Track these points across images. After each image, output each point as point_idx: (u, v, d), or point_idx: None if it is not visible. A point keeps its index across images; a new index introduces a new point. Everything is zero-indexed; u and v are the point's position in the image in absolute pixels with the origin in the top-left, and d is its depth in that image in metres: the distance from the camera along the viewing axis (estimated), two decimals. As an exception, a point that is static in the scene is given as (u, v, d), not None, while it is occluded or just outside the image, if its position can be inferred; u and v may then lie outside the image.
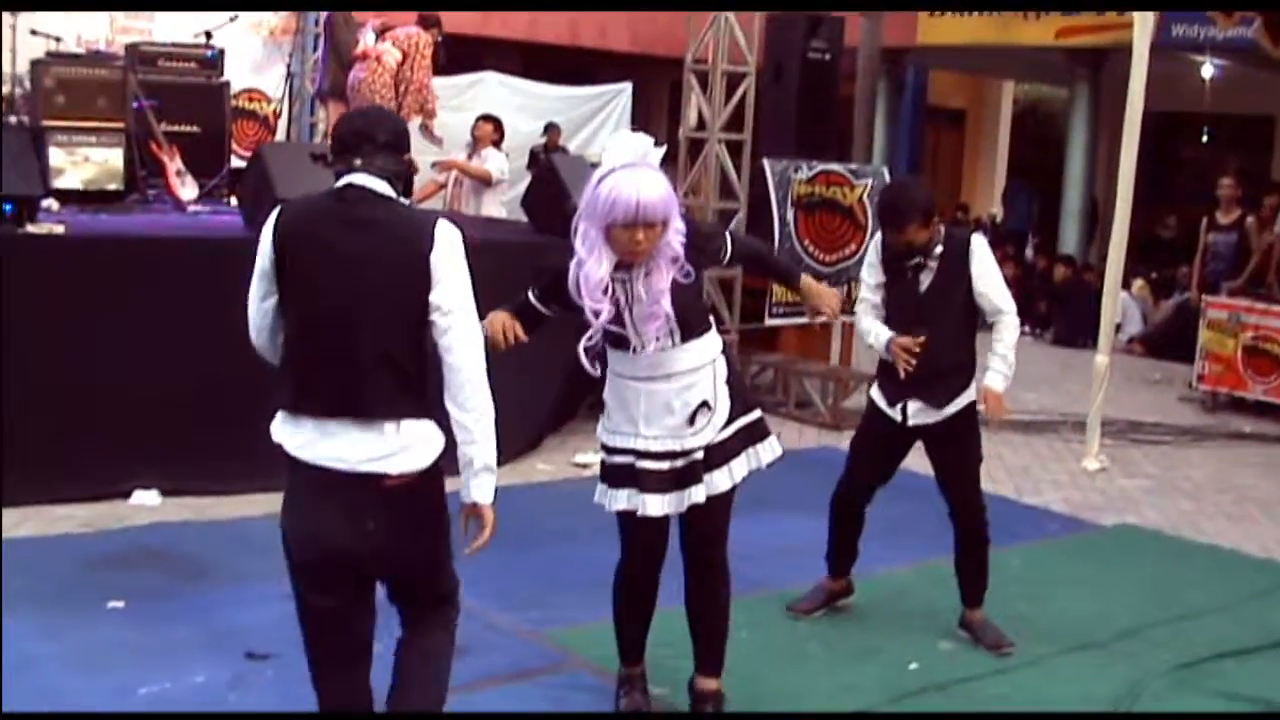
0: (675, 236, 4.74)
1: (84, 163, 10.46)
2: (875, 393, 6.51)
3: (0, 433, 7.20)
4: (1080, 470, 10.04)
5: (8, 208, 7.76)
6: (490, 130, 13.52)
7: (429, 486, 4.08)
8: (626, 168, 4.62)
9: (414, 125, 10.89)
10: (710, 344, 5.01)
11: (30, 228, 7.85)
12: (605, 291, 4.72)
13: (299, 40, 14.72)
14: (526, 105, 19.25)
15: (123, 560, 6.71)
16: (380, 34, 11.51)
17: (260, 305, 4.18)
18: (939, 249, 6.15)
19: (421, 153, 10.75)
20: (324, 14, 12.45)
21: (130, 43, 12.16)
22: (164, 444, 7.85)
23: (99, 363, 7.71)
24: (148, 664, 5.47)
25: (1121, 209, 9.92)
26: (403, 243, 4.00)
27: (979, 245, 6.24)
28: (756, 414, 5.18)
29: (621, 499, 5.02)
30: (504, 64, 20.64)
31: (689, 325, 4.89)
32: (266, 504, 6.81)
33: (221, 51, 12.33)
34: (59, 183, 10.19)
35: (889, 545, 7.68)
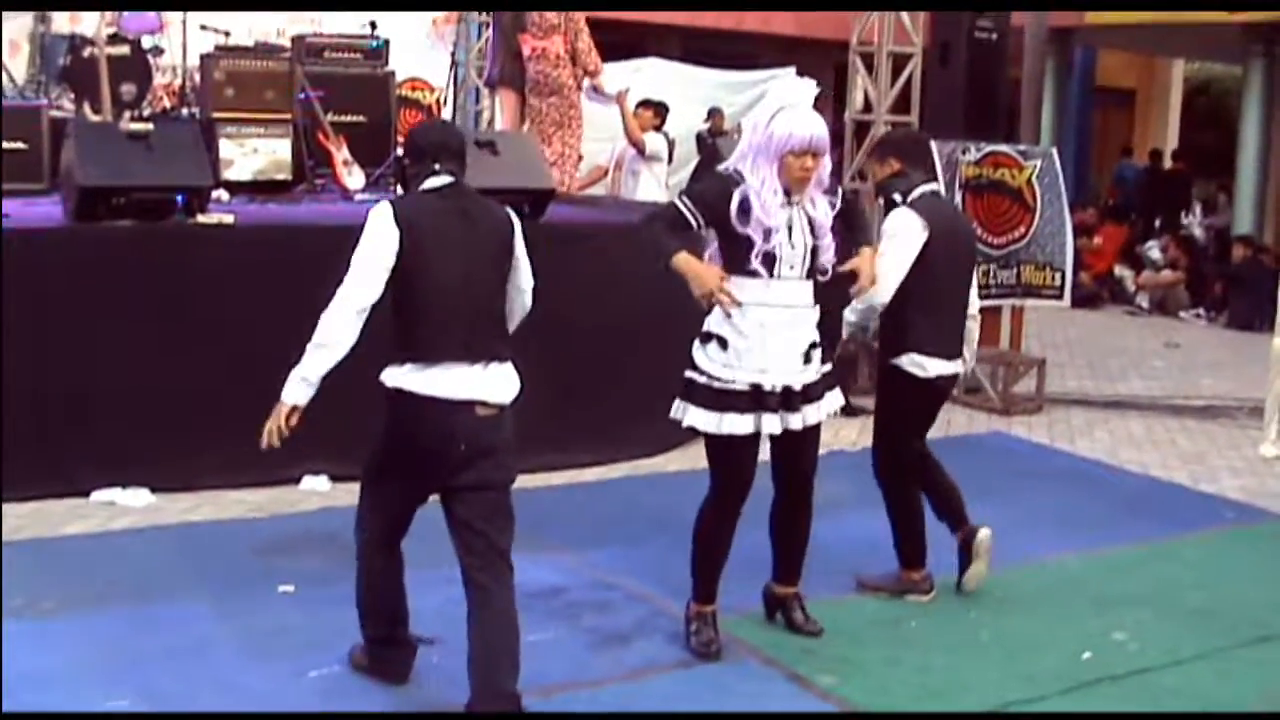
0: (827, 169, 5.48)
1: (253, 154, 10.59)
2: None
3: (0, 426, 7.26)
4: (1257, 457, 9.75)
5: (179, 199, 7.88)
6: (650, 116, 13.45)
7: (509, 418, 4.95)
8: (792, 108, 5.35)
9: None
10: (814, 289, 5.60)
11: (201, 218, 7.96)
12: (774, 197, 5.34)
13: (463, 29, 14.82)
14: (688, 91, 19.16)
15: (293, 545, 6.78)
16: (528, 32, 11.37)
17: (373, 289, 5.00)
18: None
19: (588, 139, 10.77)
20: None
21: (297, 34, 12.28)
22: (334, 429, 7.86)
23: (269, 348, 7.77)
24: (318, 647, 5.51)
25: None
26: (497, 229, 5.02)
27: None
28: (830, 365, 5.77)
29: (747, 423, 5.45)
30: (665, 49, 20.60)
31: (812, 265, 5.51)
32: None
33: (386, 42, 12.40)
34: (228, 174, 10.34)
35: (1057, 532, 7.52)
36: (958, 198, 11.14)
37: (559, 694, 5.21)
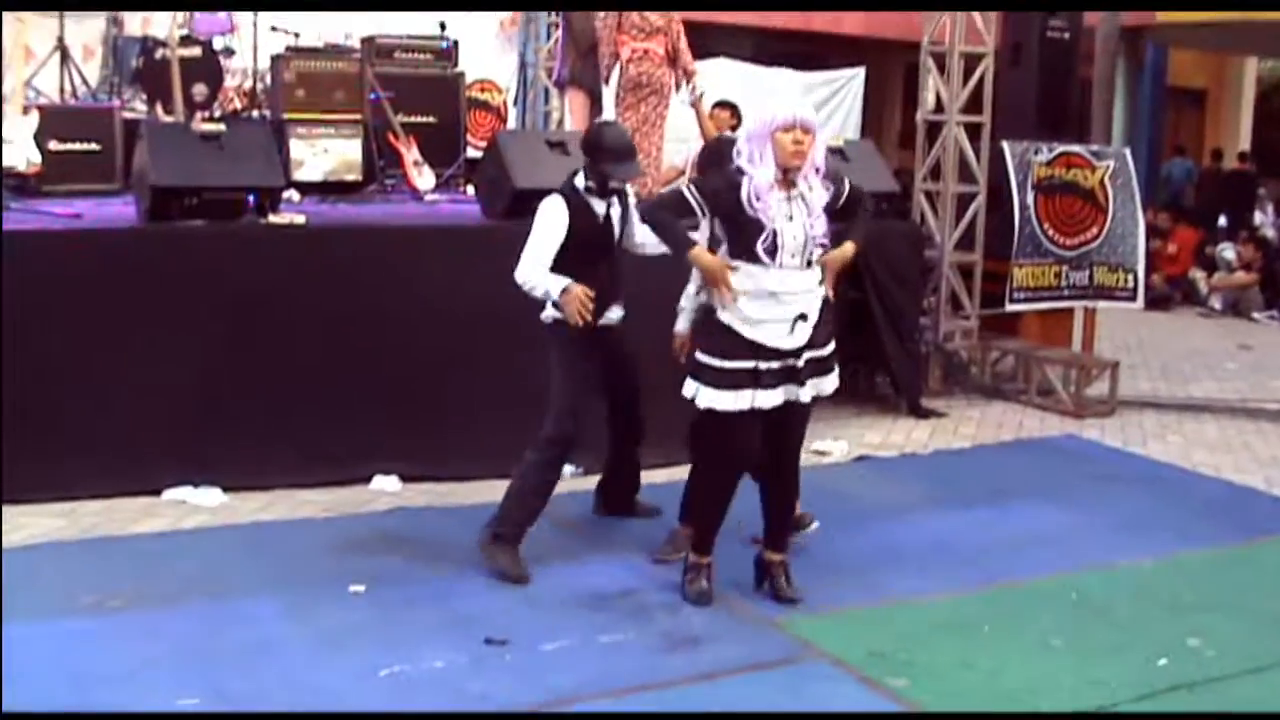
0: (821, 151, 5.91)
1: (323, 154, 10.66)
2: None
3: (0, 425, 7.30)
4: (1336, 460, 9.61)
5: (251, 199, 7.93)
6: (727, 117, 13.37)
7: None
8: (775, 93, 5.97)
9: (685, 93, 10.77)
10: (818, 274, 5.98)
11: (273, 218, 8.01)
12: (770, 189, 5.79)
13: (531, 29, 14.83)
14: (759, 92, 19.13)
15: (363, 544, 6.77)
16: (617, 20, 11.32)
17: (549, 258, 6.32)
18: None
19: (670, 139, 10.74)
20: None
21: (367, 36, 12.33)
22: (404, 429, 7.94)
23: (339, 348, 7.83)
24: (387, 647, 5.49)
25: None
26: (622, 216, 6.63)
27: None
28: (832, 347, 6.11)
29: (746, 399, 5.86)
30: (736, 49, 20.55)
31: (811, 255, 5.90)
32: (503, 491, 6.88)
33: (455, 43, 12.45)
34: (299, 174, 10.41)
35: (1131, 537, 7.44)
36: (1029, 198, 11.05)
37: (630, 695, 5.18)
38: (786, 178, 5.84)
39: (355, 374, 7.83)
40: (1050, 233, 11.18)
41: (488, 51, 15.07)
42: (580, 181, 6.59)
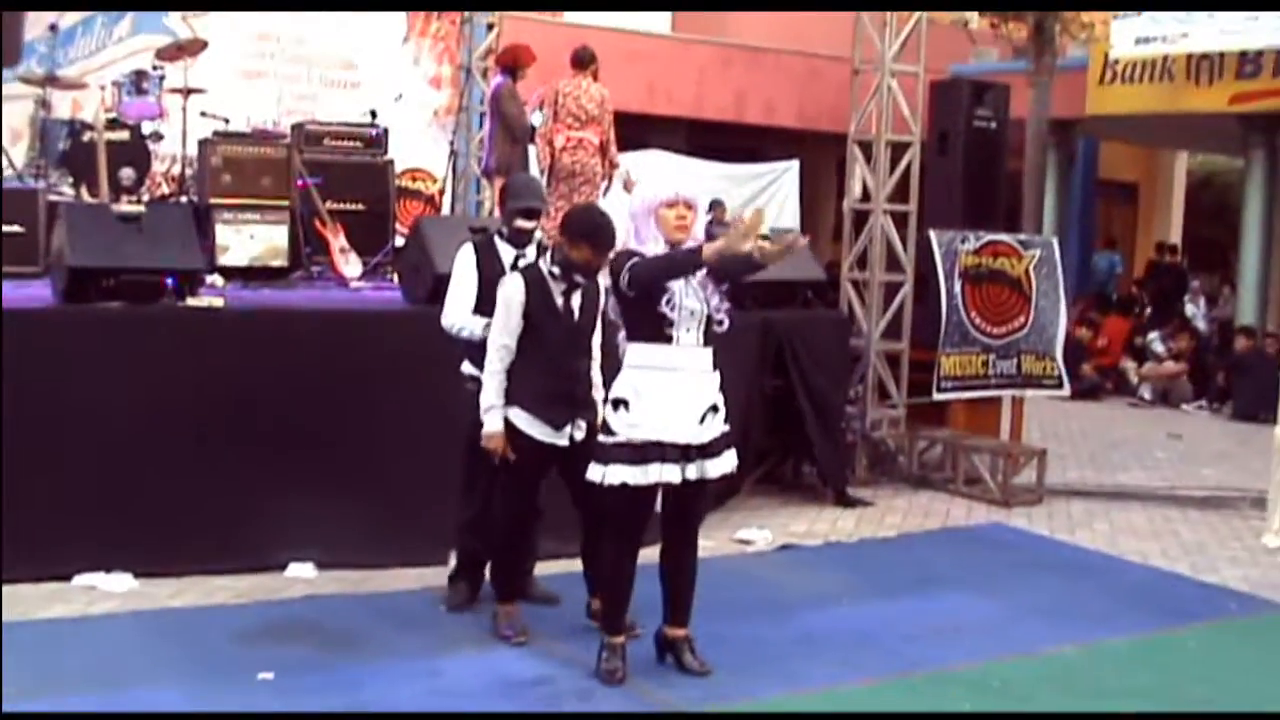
0: (702, 225, 6.15)
1: (249, 240, 10.57)
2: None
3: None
4: (1260, 547, 9.60)
5: (170, 281, 7.84)
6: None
7: None
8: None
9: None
10: (713, 356, 6.11)
11: (191, 300, 7.92)
12: None
13: (463, 119, 14.85)
14: (694, 185, 19.17)
15: (274, 631, 6.65)
16: (553, 110, 11.33)
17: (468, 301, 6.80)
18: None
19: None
20: (490, 90, 12.47)
21: (296, 122, 12.31)
22: (320, 516, 7.82)
23: (257, 435, 7.72)
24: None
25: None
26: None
27: None
28: (728, 427, 6.20)
29: (653, 473, 5.95)
30: (670, 141, 20.69)
31: (709, 330, 6.05)
32: (420, 579, 6.77)
33: (386, 130, 12.42)
34: (225, 259, 10.32)
35: (1055, 623, 7.41)
36: (957, 287, 11.09)
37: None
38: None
39: (271, 459, 7.72)
40: (978, 321, 11.22)
41: (421, 140, 15.09)
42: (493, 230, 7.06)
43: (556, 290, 6.51)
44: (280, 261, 10.68)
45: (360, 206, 11.81)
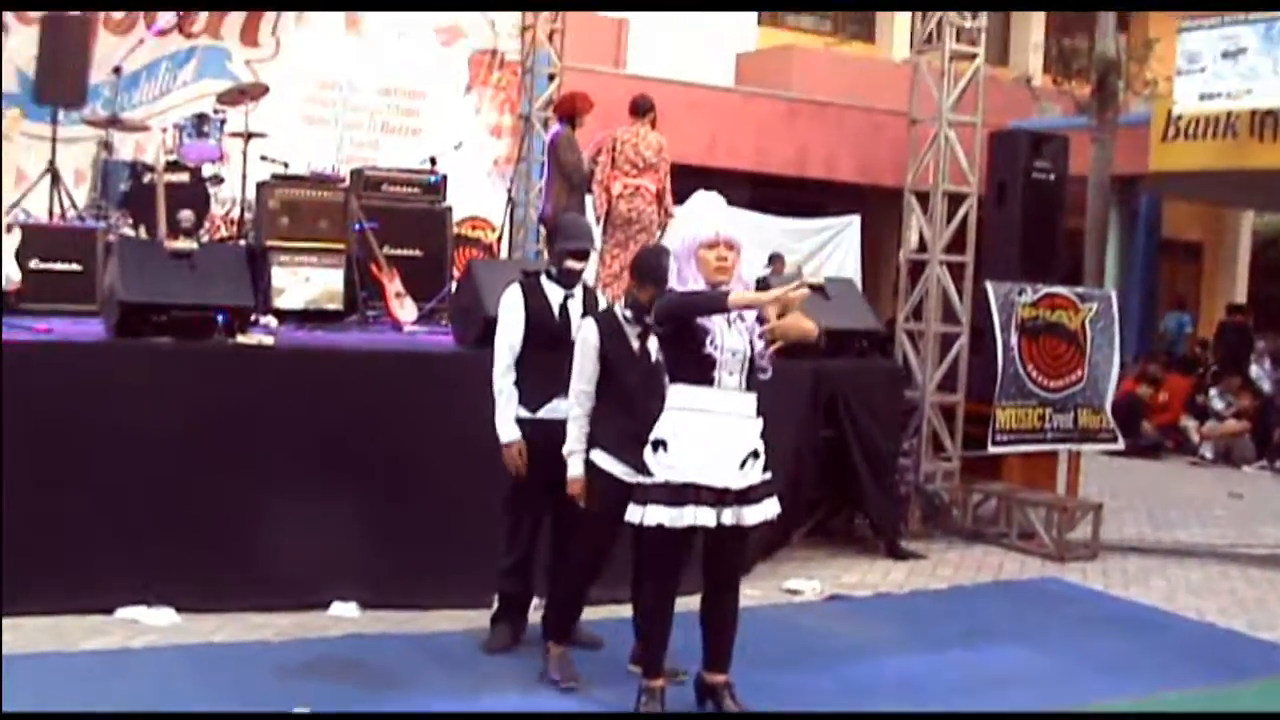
0: (747, 267, 6.09)
1: (305, 283, 10.62)
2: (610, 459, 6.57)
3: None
4: (1320, 605, 9.45)
5: (221, 318, 7.87)
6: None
7: None
8: (695, 209, 6.09)
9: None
10: (757, 402, 6.03)
11: (241, 338, 7.95)
12: None
13: (522, 169, 14.90)
14: (753, 237, 19.09)
15: (313, 668, 6.63)
16: (610, 157, 11.33)
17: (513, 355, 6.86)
18: None
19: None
20: (548, 138, 12.50)
21: (355, 168, 12.37)
22: (366, 556, 7.81)
23: (303, 473, 7.72)
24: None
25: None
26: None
27: None
28: (770, 474, 6.10)
29: (688, 516, 5.87)
30: (732, 196, 20.61)
31: (754, 374, 5.98)
32: (464, 620, 6.73)
33: (444, 177, 12.45)
34: (280, 302, 10.37)
35: (1109, 678, 7.30)
36: (1013, 339, 10.99)
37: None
38: None
39: (317, 498, 7.71)
40: (1034, 374, 11.12)
41: (481, 189, 15.12)
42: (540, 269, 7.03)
43: (631, 334, 6.53)
44: (335, 305, 10.72)
45: (418, 253, 11.82)
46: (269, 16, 13.70)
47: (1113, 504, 12.09)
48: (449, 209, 12.43)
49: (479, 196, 14.87)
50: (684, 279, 5.98)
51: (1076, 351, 11.37)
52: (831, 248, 21.55)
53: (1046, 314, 11.23)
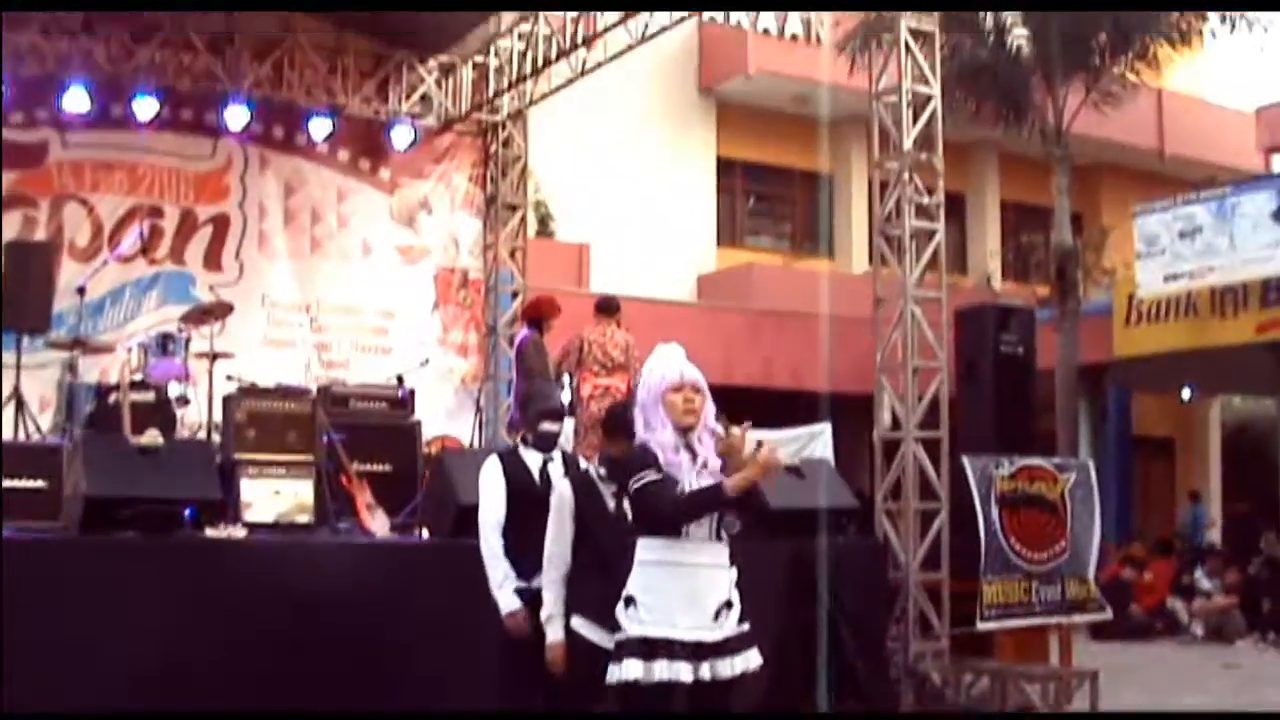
0: (712, 411, 5.81)
1: (274, 496, 10.44)
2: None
3: None
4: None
5: (188, 512, 7.76)
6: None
7: None
8: (658, 354, 5.86)
9: None
10: (728, 550, 5.77)
11: (209, 531, 7.82)
12: (676, 451, 5.65)
13: (490, 387, 14.92)
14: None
15: None
16: (578, 358, 11.33)
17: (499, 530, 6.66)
18: None
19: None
20: (515, 343, 12.50)
21: (322, 385, 12.33)
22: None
23: (278, 664, 7.56)
24: None
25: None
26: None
27: None
28: (748, 625, 5.78)
29: (660, 670, 5.58)
30: (700, 406, 20.66)
31: (721, 523, 5.70)
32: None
33: (412, 391, 12.41)
34: (249, 516, 10.14)
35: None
36: (994, 513, 10.89)
37: None
38: (685, 440, 5.73)
39: (294, 691, 7.53)
40: (1017, 546, 10.99)
41: (449, 408, 15.09)
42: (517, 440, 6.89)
43: (607, 493, 6.42)
44: (306, 517, 10.49)
45: (387, 467, 11.68)
46: (232, 241, 13.88)
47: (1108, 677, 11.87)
48: (418, 423, 12.34)
49: (448, 415, 14.84)
50: (651, 426, 5.77)
51: (1058, 522, 11.27)
52: (805, 457, 21.47)
53: (1025, 485, 11.15)
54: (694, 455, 5.70)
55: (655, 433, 5.75)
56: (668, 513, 5.65)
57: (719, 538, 5.76)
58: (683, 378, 5.76)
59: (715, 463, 5.77)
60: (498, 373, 15.06)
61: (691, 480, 5.70)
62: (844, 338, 22.00)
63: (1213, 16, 19.37)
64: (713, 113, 25.12)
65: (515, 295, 15.58)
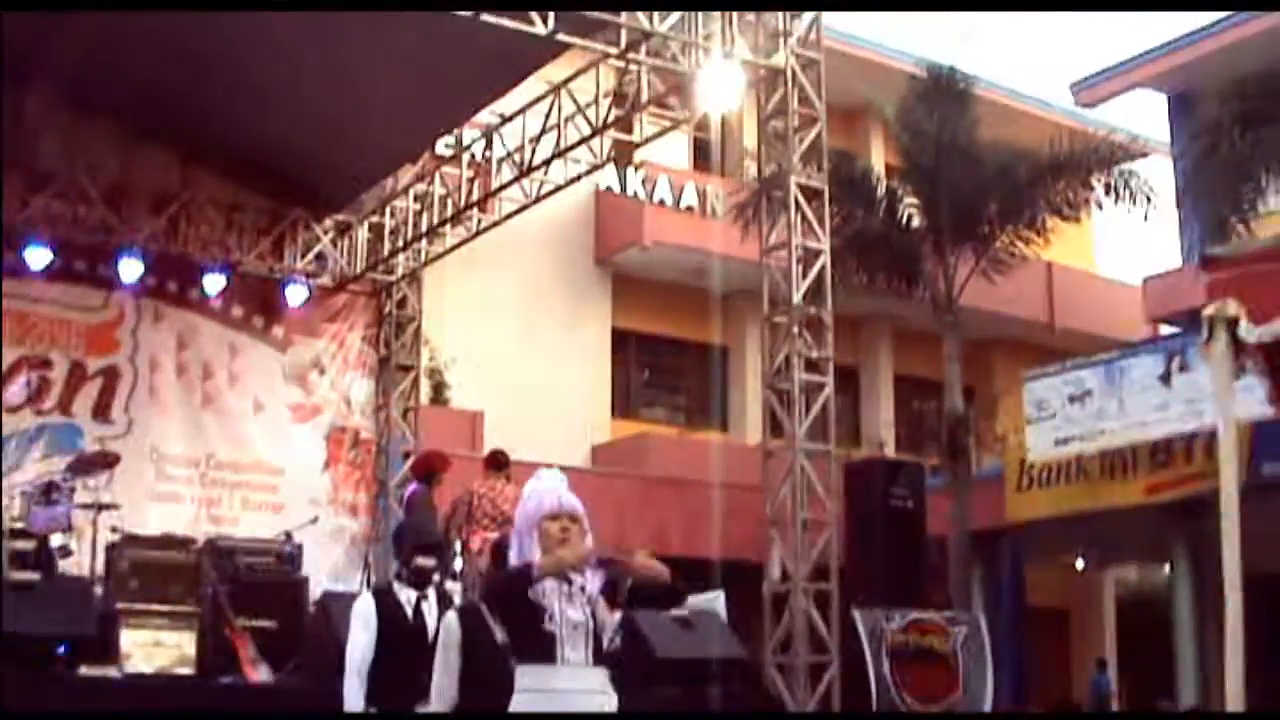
0: (588, 538, 5.50)
1: (155, 647, 10.28)
2: None
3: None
4: None
5: (63, 648, 7.58)
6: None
7: None
8: (537, 480, 5.62)
9: None
10: (607, 677, 5.52)
11: (84, 669, 7.64)
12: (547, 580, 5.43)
13: (380, 547, 14.77)
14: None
15: None
16: (468, 512, 11.28)
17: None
18: None
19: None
20: (404, 497, 12.42)
21: (209, 539, 12.15)
22: None
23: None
24: None
25: (1232, 687, 7.85)
26: None
27: None
28: None
29: None
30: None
31: (600, 648, 5.46)
32: None
33: (300, 546, 12.27)
34: (130, 667, 9.97)
35: None
36: (885, 667, 10.87)
37: None
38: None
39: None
40: (909, 700, 10.97)
41: (337, 566, 14.90)
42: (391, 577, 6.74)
43: (496, 626, 6.31)
44: (188, 669, 10.38)
45: (273, 623, 11.46)
46: (121, 393, 13.74)
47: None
48: (305, 579, 12.18)
49: (337, 574, 14.65)
50: (523, 554, 5.59)
51: (950, 675, 11.27)
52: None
53: (917, 638, 11.17)
54: (568, 581, 5.53)
55: (528, 558, 5.58)
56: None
57: (597, 662, 5.59)
58: (561, 505, 5.56)
59: (593, 588, 5.61)
60: (388, 533, 14.88)
61: (560, 607, 5.53)
62: (737, 506, 22.01)
63: (1098, 188, 19.80)
64: (608, 283, 25.23)
65: (407, 456, 15.45)
